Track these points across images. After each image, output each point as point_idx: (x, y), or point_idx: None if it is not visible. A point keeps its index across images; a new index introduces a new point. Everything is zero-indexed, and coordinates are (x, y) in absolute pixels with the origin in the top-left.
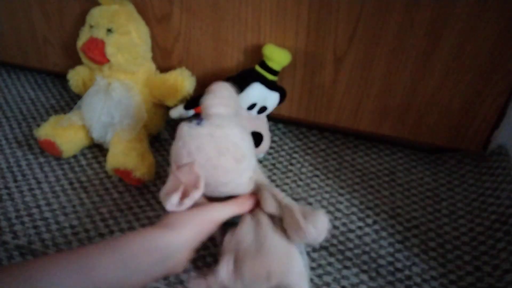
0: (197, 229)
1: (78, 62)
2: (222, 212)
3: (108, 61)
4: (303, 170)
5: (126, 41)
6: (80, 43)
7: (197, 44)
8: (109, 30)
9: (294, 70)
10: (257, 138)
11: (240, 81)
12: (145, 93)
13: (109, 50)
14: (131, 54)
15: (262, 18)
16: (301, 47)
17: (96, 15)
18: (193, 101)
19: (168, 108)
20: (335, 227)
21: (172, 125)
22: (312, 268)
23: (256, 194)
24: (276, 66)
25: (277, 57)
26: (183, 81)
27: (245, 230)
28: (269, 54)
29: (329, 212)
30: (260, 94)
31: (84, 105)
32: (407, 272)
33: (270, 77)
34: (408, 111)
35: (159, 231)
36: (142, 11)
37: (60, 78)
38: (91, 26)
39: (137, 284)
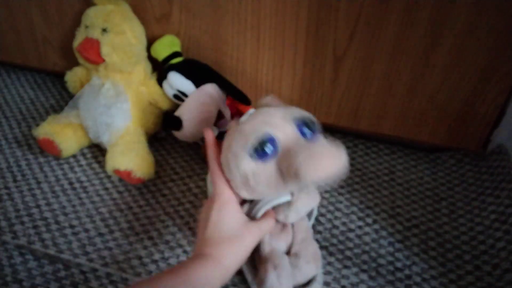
0: (238, 259)
1: (78, 61)
2: (257, 238)
3: (103, 61)
4: None
5: (121, 40)
6: (76, 43)
7: (197, 43)
8: (104, 30)
9: (293, 70)
10: (176, 121)
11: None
12: (142, 92)
13: (104, 50)
14: (126, 53)
15: (261, 17)
16: (300, 47)
17: (91, 15)
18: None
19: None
20: (335, 226)
21: None
22: None
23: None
24: (164, 53)
25: (158, 49)
26: (158, 101)
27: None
28: (155, 53)
29: (329, 211)
30: (179, 81)
31: (81, 104)
32: (407, 271)
33: (175, 60)
34: (407, 111)
35: (200, 264)
36: (141, 11)
37: (60, 78)
38: (86, 27)
39: None
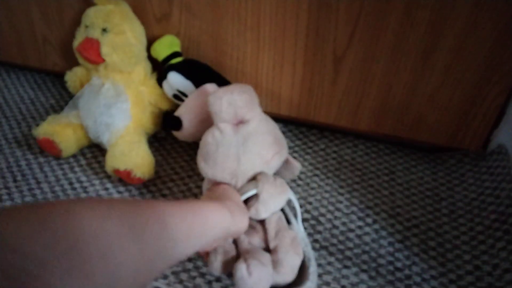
0: (240, 223)
1: (78, 61)
2: (247, 216)
3: (103, 61)
4: (303, 169)
5: (121, 40)
6: (76, 43)
7: (197, 43)
8: (104, 30)
9: (293, 70)
10: (176, 121)
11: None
12: (142, 92)
13: (104, 50)
14: (126, 53)
15: (261, 17)
16: (300, 46)
17: (91, 15)
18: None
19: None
20: (335, 226)
21: None
22: None
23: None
24: (164, 53)
25: (158, 49)
26: (158, 101)
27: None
28: (155, 53)
29: (329, 211)
30: (179, 80)
31: (81, 104)
32: (407, 271)
33: (175, 60)
34: (407, 111)
35: (229, 214)
36: (142, 11)
37: (60, 78)
38: (86, 26)
39: (184, 256)
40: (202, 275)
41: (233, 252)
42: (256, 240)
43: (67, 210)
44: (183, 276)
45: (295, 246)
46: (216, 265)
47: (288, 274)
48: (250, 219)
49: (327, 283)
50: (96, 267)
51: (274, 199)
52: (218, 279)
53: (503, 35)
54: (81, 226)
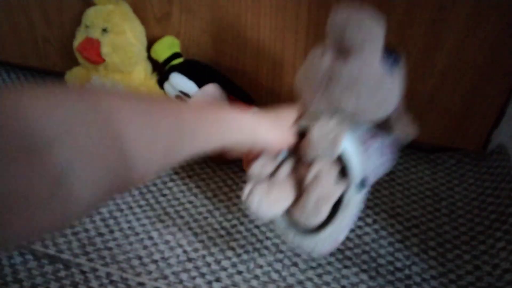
0: (265, 135)
1: (78, 61)
2: (280, 140)
3: (103, 60)
4: None
5: (121, 40)
6: (76, 43)
7: (197, 44)
8: (104, 30)
9: (293, 70)
10: None
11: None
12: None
13: (105, 50)
14: (127, 53)
15: (261, 17)
16: (300, 46)
17: (91, 15)
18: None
19: None
20: None
21: None
22: (312, 268)
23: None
24: (165, 54)
25: (159, 50)
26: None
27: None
28: (155, 55)
29: None
30: (181, 81)
31: None
32: (406, 271)
33: (176, 61)
34: (407, 111)
35: (256, 124)
36: (142, 11)
37: (60, 78)
38: (86, 26)
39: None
40: (202, 275)
41: (269, 169)
42: (295, 174)
43: (11, 99)
44: (183, 276)
45: (315, 207)
46: (251, 174)
47: (302, 216)
48: (304, 156)
49: (327, 283)
50: (44, 156)
51: (317, 143)
52: (218, 279)
53: (503, 35)
54: (25, 117)
